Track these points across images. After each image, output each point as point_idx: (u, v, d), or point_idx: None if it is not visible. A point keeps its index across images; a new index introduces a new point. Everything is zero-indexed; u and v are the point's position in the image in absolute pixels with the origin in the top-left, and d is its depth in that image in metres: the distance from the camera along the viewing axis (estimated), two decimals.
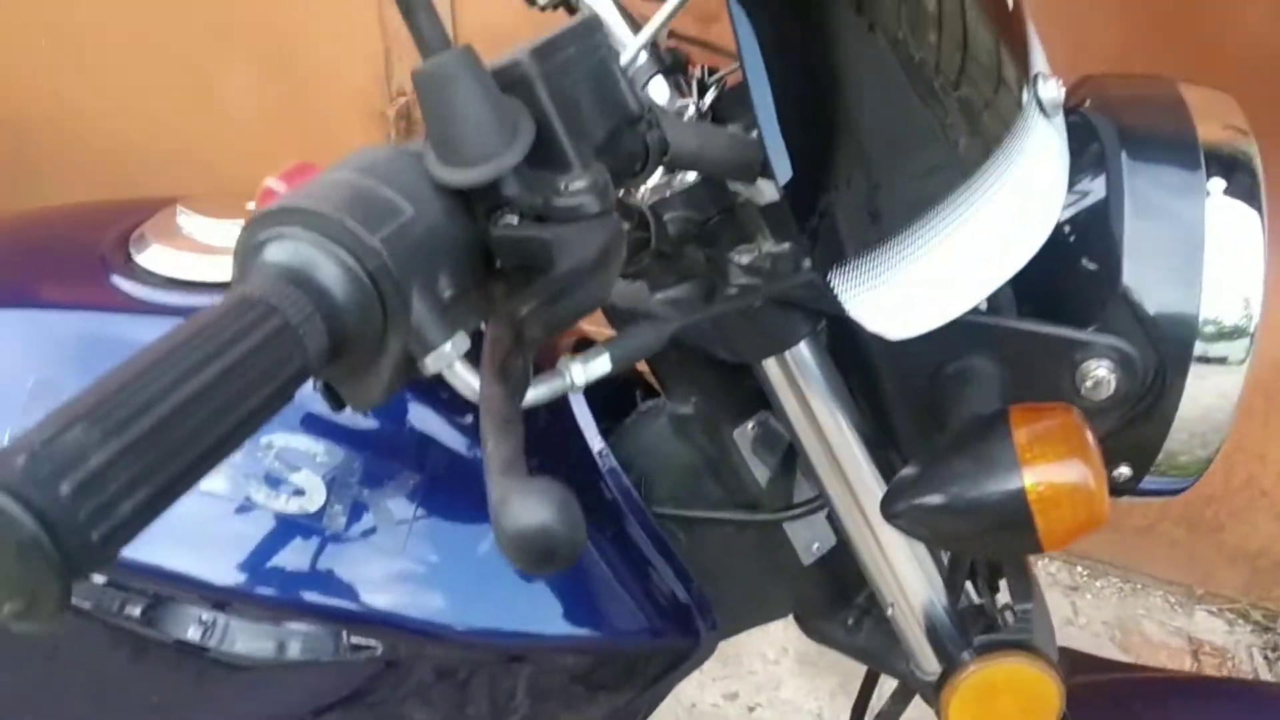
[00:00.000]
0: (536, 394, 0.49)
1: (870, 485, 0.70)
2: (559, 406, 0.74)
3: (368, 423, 0.68)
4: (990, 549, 0.67)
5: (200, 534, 0.64)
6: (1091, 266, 0.63)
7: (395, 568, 0.66)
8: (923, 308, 0.55)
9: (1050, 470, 0.53)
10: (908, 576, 0.72)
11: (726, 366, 0.71)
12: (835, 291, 0.51)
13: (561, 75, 0.46)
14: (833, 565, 0.82)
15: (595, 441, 0.75)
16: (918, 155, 0.55)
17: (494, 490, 0.34)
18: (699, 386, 0.77)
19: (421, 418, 0.69)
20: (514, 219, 0.45)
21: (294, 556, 0.65)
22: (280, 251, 0.41)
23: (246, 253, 0.42)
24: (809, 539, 0.81)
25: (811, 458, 0.70)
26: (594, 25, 0.49)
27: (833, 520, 0.77)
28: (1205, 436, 0.65)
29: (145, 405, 0.34)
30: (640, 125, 0.50)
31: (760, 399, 0.71)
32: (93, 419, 0.33)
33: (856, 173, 0.52)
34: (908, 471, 0.59)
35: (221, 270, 0.72)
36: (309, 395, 0.67)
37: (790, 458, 0.78)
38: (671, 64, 0.80)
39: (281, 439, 0.66)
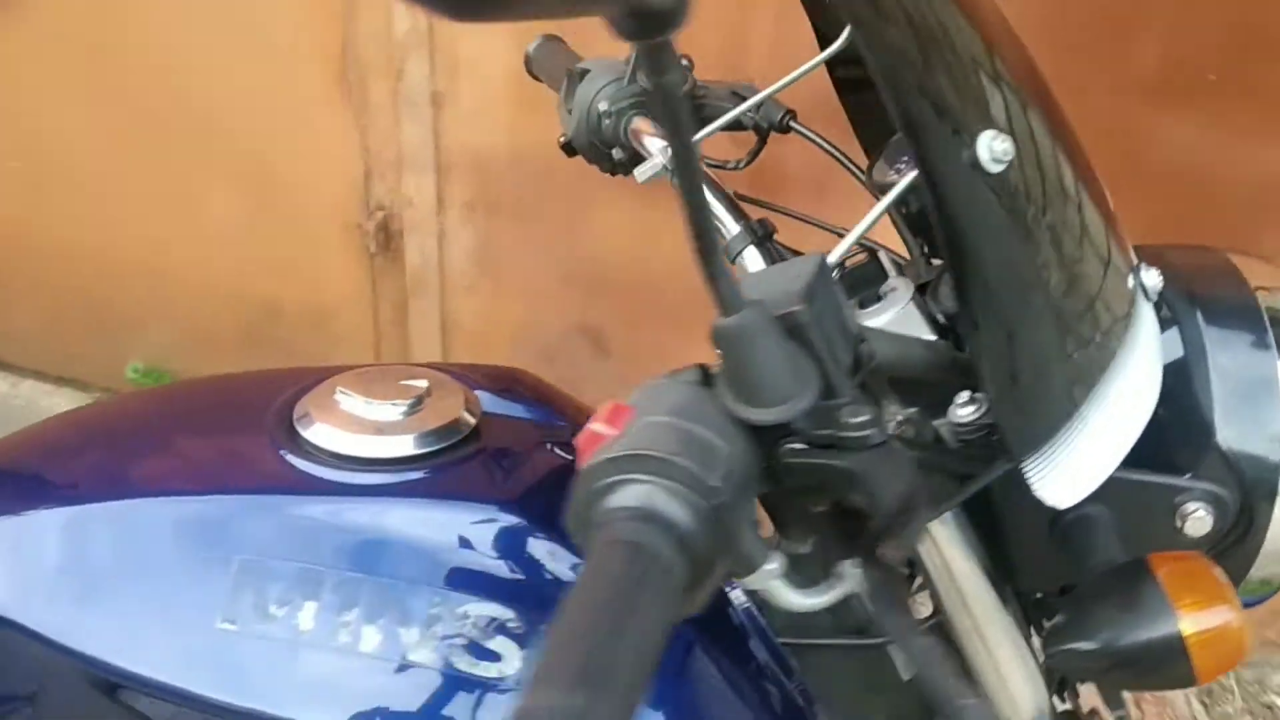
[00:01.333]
0: (824, 599, 0.56)
1: (991, 613, 0.77)
2: None
3: (544, 584, 0.74)
4: (1142, 685, 0.75)
5: (425, 708, 0.69)
6: (1184, 420, 0.73)
7: None
8: (1084, 475, 0.63)
9: (1203, 617, 0.61)
10: (1019, 690, 0.80)
11: (840, 508, 0.78)
12: (1028, 477, 0.60)
13: (822, 316, 0.54)
14: None
15: None
16: (1081, 345, 0.64)
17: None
18: (815, 528, 0.84)
19: None
20: (799, 445, 0.52)
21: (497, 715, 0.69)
22: (632, 496, 0.46)
23: (593, 494, 0.48)
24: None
25: (939, 587, 0.77)
26: (828, 266, 0.57)
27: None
28: None
29: (606, 663, 0.40)
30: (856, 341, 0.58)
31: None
32: (578, 684, 0.39)
33: (1043, 369, 0.61)
34: (1059, 620, 0.67)
35: (381, 449, 0.77)
36: (493, 562, 0.73)
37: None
38: (763, 235, 0.88)
39: (475, 607, 0.71)
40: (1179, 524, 0.71)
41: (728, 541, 0.48)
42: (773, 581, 0.51)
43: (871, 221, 0.64)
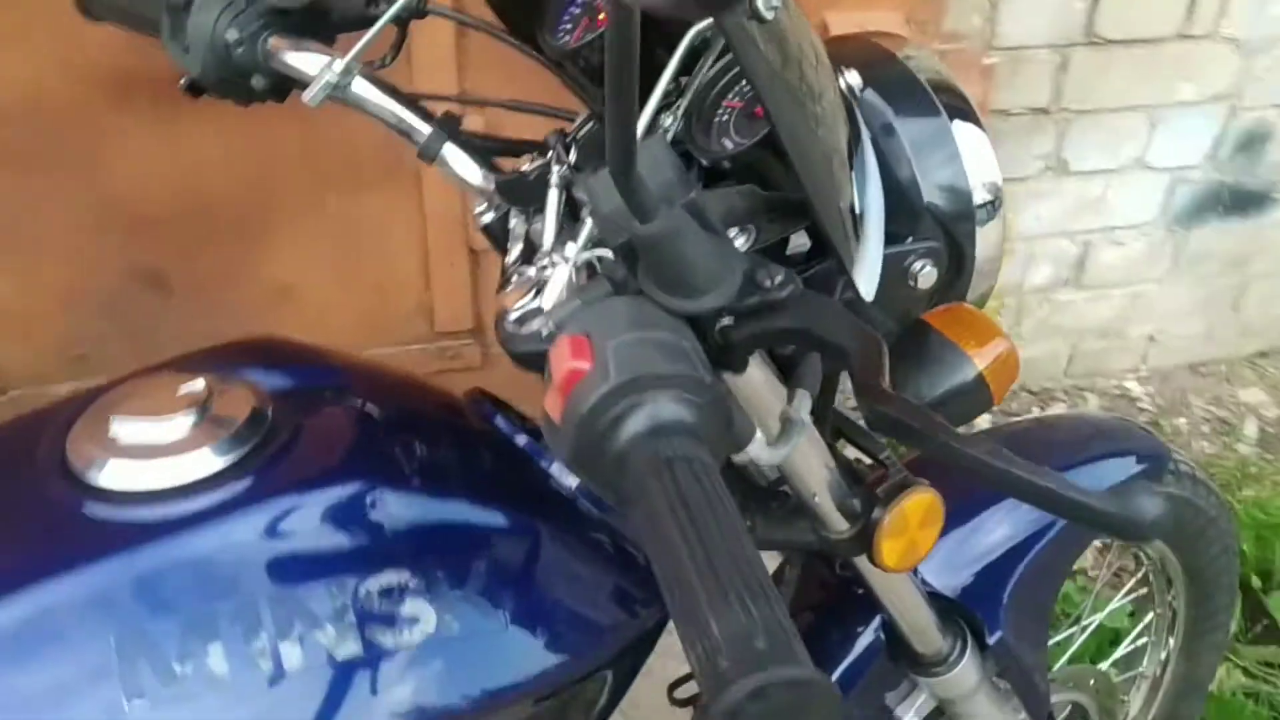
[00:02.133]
0: (790, 446, 0.60)
1: (770, 401, 0.87)
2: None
3: (421, 534, 0.73)
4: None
5: (376, 695, 0.67)
6: (896, 194, 0.84)
7: (510, 642, 0.73)
8: (873, 263, 0.73)
9: (987, 351, 0.74)
10: (813, 466, 0.91)
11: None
12: (855, 281, 0.68)
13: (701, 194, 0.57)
14: None
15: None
16: (844, 153, 0.71)
17: None
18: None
19: (454, 511, 0.75)
20: (729, 322, 0.56)
21: (437, 675, 0.69)
22: (647, 417, 0.48)
23: (604, 428, 0.49)
24: None
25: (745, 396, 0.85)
26: (669, 143, 0.59)
27: None
28: (989, 275, 0.89)
29: (740, 567, 0.43)
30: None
31: None
32: (732, 599, 0.41)
33: (835, 182, 0.68)
34: None
35: (192, 469, 0.70)
36: (366, 533, 0.71)
37: None
38: (455, 128, 0.88)
39: (372, 583, 0.69)
40: (912, 282, 0.83)
41: (728, 424, 0.52)
42: (758, 448, 0.55)
43: (665, 84, 0.66)
